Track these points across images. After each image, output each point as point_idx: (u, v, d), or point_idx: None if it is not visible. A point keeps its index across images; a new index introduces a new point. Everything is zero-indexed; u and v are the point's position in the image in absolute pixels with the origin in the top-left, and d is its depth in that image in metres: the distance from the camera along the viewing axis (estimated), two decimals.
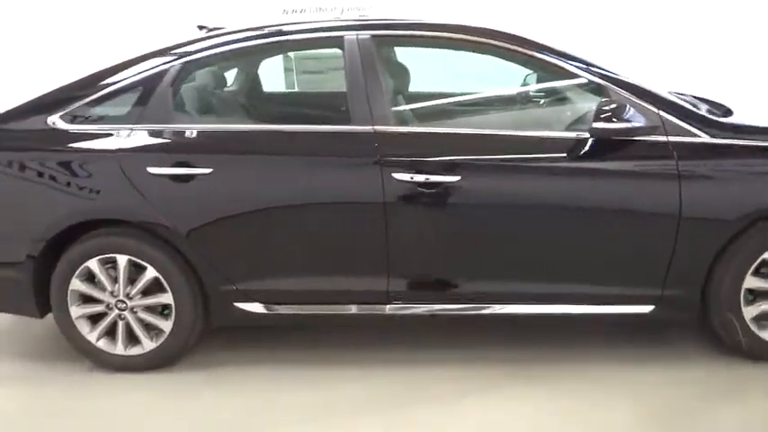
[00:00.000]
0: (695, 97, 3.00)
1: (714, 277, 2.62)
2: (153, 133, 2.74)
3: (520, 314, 2.75)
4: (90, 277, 2.82)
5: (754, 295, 2.65)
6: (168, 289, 2.78)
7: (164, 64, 2.79)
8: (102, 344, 2.88)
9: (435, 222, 2.68)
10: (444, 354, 2.93)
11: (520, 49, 2.73)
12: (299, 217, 2.72)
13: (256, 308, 2.82)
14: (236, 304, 2.81)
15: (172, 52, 2.83)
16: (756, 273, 2.61)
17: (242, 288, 2.79)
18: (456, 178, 2.59)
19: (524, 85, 3.25)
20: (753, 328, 2.66)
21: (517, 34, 2.76)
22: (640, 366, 2.77)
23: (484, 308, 2.75)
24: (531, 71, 3.14)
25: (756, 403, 2.52)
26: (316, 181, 2.69)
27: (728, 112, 2.83)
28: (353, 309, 2.81)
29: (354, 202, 2.68)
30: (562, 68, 2.71)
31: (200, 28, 3.44)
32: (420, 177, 2.59)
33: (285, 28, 2.90)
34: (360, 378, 2.78)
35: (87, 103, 2.81)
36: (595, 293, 2.71)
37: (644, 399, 2.56)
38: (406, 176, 2.59)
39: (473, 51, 2.84)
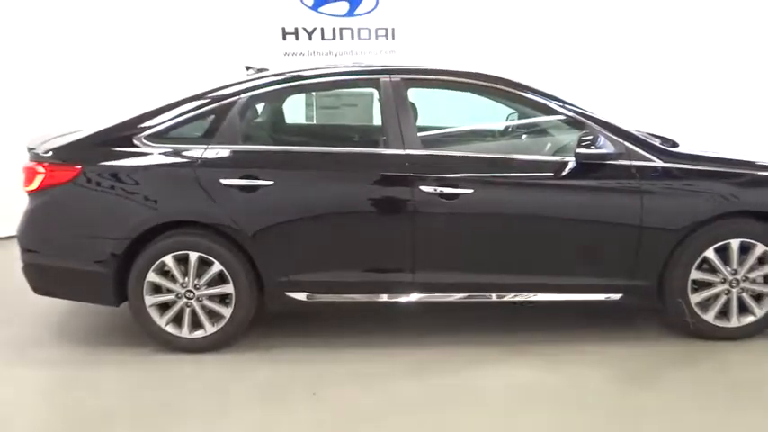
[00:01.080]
0: (649, 133, 3.80)
1: (667, 271, 3.37)
2: (225, 151, 3.36)
3: (517, 301, 3.43)
4: (163, 271, 3.37)
5: (698, 285, 3.40)
6: (231, 281, 3.36)
7: (233, 96, 3.43)
8: (170, 328, 3.42)
9: (453, 226, 3.35)
10: (453, 336, 3.59)
11: (516, 92, 3.50)
12: (342, 221, 3.37)
13: (302, 296, 3.42)
14: (287, 293, 3.41)
15: (240, 87, 3.47)
16: (699, 268, 3.37)
17: (293, 279, 3.39)
18: (470, 191, 3.29)
19: (510, 120, 4.01)
20: (697, 311, 3.40)
21: (513, 80, 3.52)
22: (609, 343, 3.47)
23: (489, 296, 3.43)
24: (514, 109, 3.89)
25: (701, 369, 3.24)
26: (357, 192, 3.35)
27: (675, 144, 3.63)
28: (384, 297, 3.45)
29: (387, 210, 3.34)
30: (549, 107, 3.48)
31: (247, 68, 4.12)
32: (442, 190, 3.28)
33: (334, 70, 3.58)
34: (384, 354, 3.39)
35: (168, 127, 3.41)
36: (577, 284, 3.42)
37: (612, 367, 3.24)
38: (431, 189, 3.28)
39: (478, 93, 3.59)
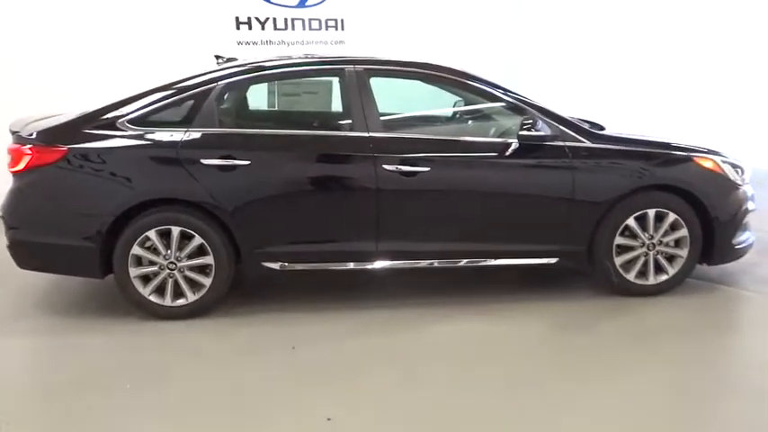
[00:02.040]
0: (580, 118, 4.32)
1: (596, 238, 3.90)
2: (205, 134, 3.66)
3: (471, 266, 3.90)
4: (146, 245, 3.65)
5: (621, 249, 3.94)
6: (210, 252, 3.67)
7: (211, 83, 3.73)
8: (153, 298, 3.71)
9: (412, 200, 3.77)
10: (415, 298, 4.03)
11: (466, 81, 3.95)
12: (313, 197, 3.75)
13: (276, 266, 3.77)
14: (262, 263, 3.76)
15: (216, 75, 3.78)
16: (622, 234, 3.91)
17: (268, 251, 3.74)
18: (427, 169, 3.72)
19: (456, 106, 4.46)
20: (621, 271, 3.95)
21: (464, 70, 3.96)
22: (547, 300, 3.99)
23: (448, 263, 3.88)
24: (463, 97, 4.34)
25: (624, 319, 3.78)
26: (326, 171, 3.74)
27: (602, 128, 4.16)
28: (351, 265, 3.84)
29: (354, 187, 3.73)
30: (494, 95, 3.94)
31: (217, 57, 4.41)
32: (402, 168, 3.70)
33: (303, 60, 3.93)
34: (353, 314, 3.80)
35: (149, 111, 3.68)
36: (520, 250, 3.91)
37: (549, 320, 3.75)
38: (392, 167, 3.69)
39: (432, 83, 4.01)
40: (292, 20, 7.74)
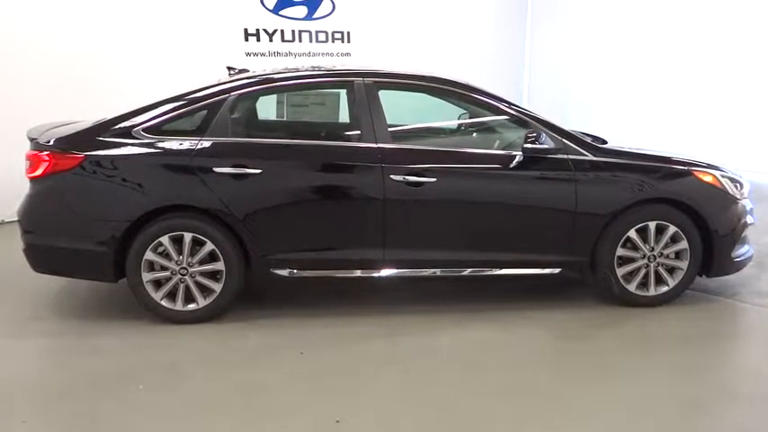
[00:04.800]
0: (582, 132, 4.42)
1: (598, 249, 3.97)
2: (218, 143, 3.76)
3: (477, 275, 3.98)
4: (159, 251, 3.74)
5: (623, 260, 4.02)
6: (221, 259, 3.76)
7: (224, 93, 3.84)
8: (165, 302, 3.79)
9: (418, 210, 3.85)
10: (421, 305, 4.11)
11: (472, 95, 4.05)
12: (322, 206, 3.84)
13: (285, 272, 3.86)
14: (272, 270, 3.84)
15: (228, 86, 3.88)
16: (623, 245, 4.00)
17: (277, 258, 3.82)
18: (433, 179, 3.82)
19: (460, 119, 4.55)
20: (622, 282, 4.03)
21: (470, 84, 4.07)
22: (550, 310, 4.06)
23: (453, 272, 3.97)
24: (468, 110, 4.44)
25: (626, 329, 3.86)
26: (335, 181, 3.83)
27: (604, 142, 4.26)
28: (358, 273, 3.93)
29: (362, 196, 3.82)
30: (499, 108, 4.04)
31: (229, 69, 4.52)
32: (409, 178, 3.79)
33: (314, 72, 4.05)
34: (360, 320, 3.88)
35: (164, 120, 3.79)
36: (524, 260, 4.00)
37: (553, 328, 3.83)
38: (399, 178, 3.79)
39: (438, 95, 4.12)
40: (300, 32, 7.88)
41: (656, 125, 7.87)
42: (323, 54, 8.06)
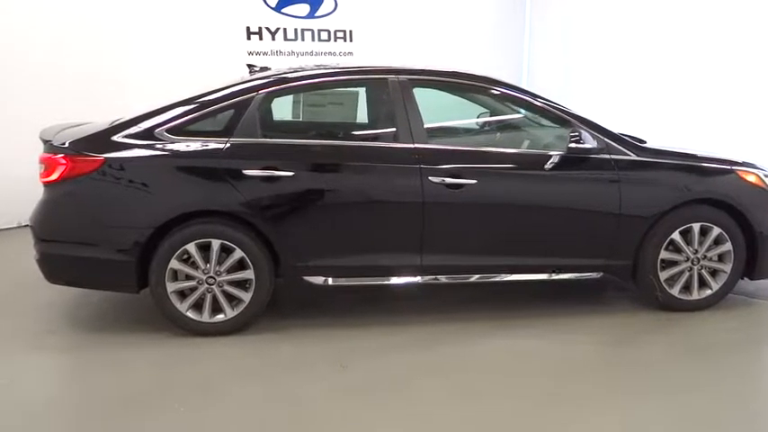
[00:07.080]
0: (621, 133, 4.27)
1: (641, 252, 3.84)
2: (247, 144, 3.54)
3: (516, 281, 3.81)
4: (184, 259, 3.51)
5: (666, 264, 3.89)
6: (251, 266, 3.54)
7: (250, 92, 3.62)
8: (191, 313, 3.56)
9: (458, 213, 3.67)
10: (458, 312, 3.94)
11: (511, 93, 3.89)
12: (357, 210, 3.63)
13: (319, 280, 3.65)
14: (304, 278, 3.63)
15: (255, 84, 3.67)
16: (667, 248, 3.86)
17: (310, 265, 3.62)
18: (474, 181, 3.64)
19: (480, 117, 4.38)
20: (665, 286, 3.89)
21: (509, 82, 3.90)
22: (589, 316, 3.91)
23: (491, 277, 3.79)
24: (490, 108, 4.27)
25: (670, 334, 3.71)
26: (370, 183, 3.62)
27: (643, 141, 4.12)
28: (393, 280, 3.74)
29: (399, 199, 3.62)
30: (538, 107, 3.87)
31: (250, 67, 4.30)
32: (448, 180, 3.61)
33: (346, 69, 3.84)
34: (397, 329, 3.70)
35: (190, 120, 3.55)
36: (566, 264, 3.83)
37: (597, 335, 3.67)
38: (438, 180, 3.60)
39: (475, 94, 3.95)
40: (302, 30, 7.68)
41: (660, 123, 7.76)
42: (325, 53, 7.87)
